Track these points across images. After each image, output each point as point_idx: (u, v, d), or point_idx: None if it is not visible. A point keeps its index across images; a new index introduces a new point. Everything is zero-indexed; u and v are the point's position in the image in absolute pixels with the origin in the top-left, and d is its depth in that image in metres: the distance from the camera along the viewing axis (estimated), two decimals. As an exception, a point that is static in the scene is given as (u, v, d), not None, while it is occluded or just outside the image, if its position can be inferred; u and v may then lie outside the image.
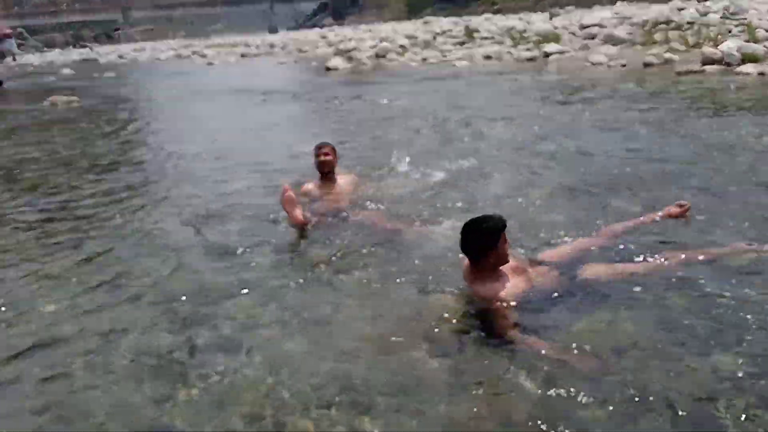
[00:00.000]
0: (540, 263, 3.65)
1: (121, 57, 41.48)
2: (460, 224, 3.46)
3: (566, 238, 4.11)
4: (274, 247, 4.49)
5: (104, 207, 5.83)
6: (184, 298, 3.75)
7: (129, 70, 31.11)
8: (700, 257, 3.65)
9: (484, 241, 3.31)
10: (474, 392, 2.75)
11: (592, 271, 3.55)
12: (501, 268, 3.39)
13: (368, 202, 5.21)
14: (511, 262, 3.41)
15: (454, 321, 3.30)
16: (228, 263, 4.25)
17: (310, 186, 5.46)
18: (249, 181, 6.30)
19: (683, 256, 3.67)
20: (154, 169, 7.46)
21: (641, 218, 4.31)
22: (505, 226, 3.32)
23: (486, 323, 3.24)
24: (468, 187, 5.56)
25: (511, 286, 3.37)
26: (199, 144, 8.81)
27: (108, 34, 79.65)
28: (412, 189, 5.59)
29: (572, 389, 2.63)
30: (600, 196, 5.13)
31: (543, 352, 2.91)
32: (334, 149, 5.40)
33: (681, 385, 2.63)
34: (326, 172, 5.36)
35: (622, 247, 3.92)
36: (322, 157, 5.31)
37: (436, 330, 3.23)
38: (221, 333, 3.34)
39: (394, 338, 3.19)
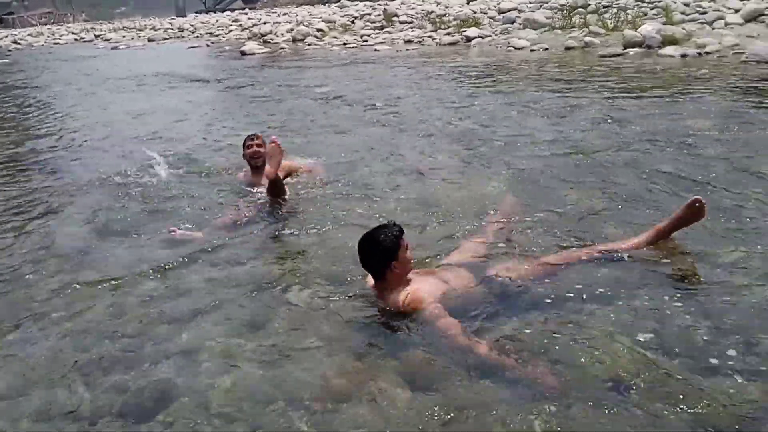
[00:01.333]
0: (445, 264, 3.38)
1: (15, 42, 38.42)
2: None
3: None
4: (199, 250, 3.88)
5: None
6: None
7: (24, 55, 28.80)
8: (620, 246, 3.43)
9: (384, 253, 3.00)
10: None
11: (503, 267, 3.28)
12: (408, 275, 3.08)
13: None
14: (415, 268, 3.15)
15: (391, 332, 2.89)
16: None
17: (240, 176, 5.26)
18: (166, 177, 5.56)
19: (601, 247, 3.45)
20: (45, 168, 6.52)
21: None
22: (402, 231, 3.05)
23: (420, 330, 2.83)
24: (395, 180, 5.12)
25: (428, 287, 3.01)
26: (102, 136, 7.93)
27: (1, 18, 74.07)
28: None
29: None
30: (542, 187, 4.77)
31: (503, 364, 2.60)
32: (266, 140, 4.92)
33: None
34: (257, 165, 4.95)
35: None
36: (255, 148, 4.99)
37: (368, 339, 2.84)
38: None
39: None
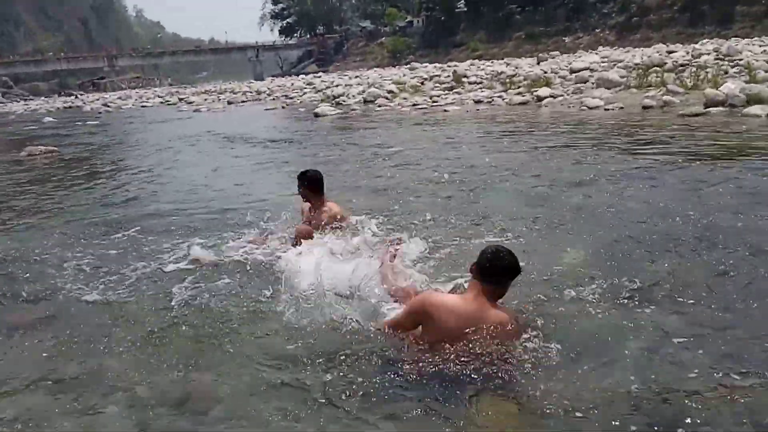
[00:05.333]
0: None
1: (105, 105, 41.09)
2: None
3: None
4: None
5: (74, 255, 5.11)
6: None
7: (113, 117, 30.61)
8: None
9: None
10: None
11: None
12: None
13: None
14: None
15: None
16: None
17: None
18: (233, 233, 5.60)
19: None
20: (126, 222, 6.70)
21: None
22: None
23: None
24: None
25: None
26: (184, 193, 8.16)
27: (93, 82, 79.69)
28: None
29: None
30: (631, 254, 4.48)
31: None
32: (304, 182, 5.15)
33: None
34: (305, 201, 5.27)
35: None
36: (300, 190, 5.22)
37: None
38: None
39: None
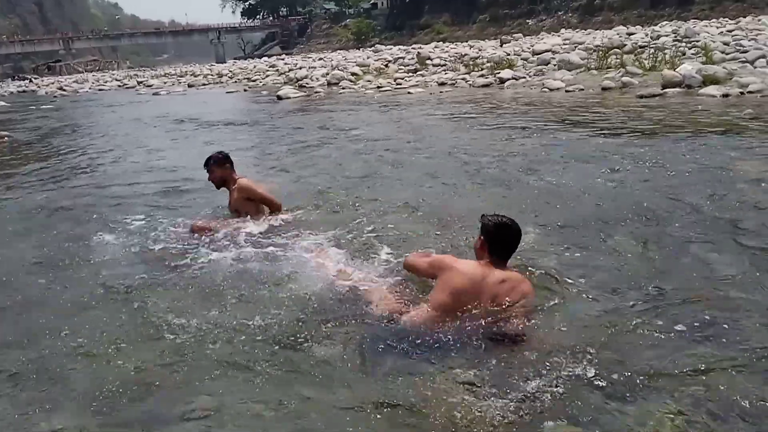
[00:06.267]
0: None
1: (61, 89, 39.87)
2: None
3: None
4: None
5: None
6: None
7: (69, 101, 29.75)
8: None
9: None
10: None
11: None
12: None
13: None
14: None
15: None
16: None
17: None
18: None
19: None
20: (79, 212, 6.48)
21: None
22: None
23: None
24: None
25: None
26: (140, 178, 7.94)
27: (48, 66, 77.23)
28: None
29: None
30: (593, 232, 4.50)
31: None
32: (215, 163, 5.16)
33: None
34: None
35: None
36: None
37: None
38: None
39: None
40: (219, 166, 5.12)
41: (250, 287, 3.81)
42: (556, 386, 2.56)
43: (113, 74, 58.83)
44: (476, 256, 3.28)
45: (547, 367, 2.70)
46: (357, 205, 5.67)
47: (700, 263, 3.80)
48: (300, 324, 3.28)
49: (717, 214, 4.62)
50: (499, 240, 3.15)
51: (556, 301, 3.35)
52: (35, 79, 59.05)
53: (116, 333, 3.34)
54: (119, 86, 39.73)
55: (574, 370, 2.66)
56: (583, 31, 38.53)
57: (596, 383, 2.58)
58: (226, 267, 4.19)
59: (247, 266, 4.17)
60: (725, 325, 2.99)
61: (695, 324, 3.01)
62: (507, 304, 3.05)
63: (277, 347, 3.07)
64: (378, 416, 2.49)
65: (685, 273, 3.66)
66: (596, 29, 38.75)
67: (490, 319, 3.02)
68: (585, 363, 2.71)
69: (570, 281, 3.61)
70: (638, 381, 2.58)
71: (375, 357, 2.92)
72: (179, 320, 3.39)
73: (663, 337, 2.92)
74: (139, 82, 40.03)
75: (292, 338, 3.14)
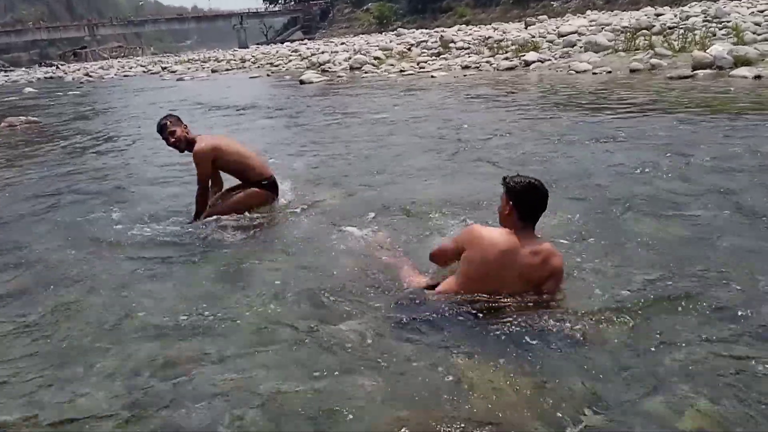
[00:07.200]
0: None
1: (87, 75, 40.35)
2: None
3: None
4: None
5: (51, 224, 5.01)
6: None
7: (95, 87, 30.09)
8: None
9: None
10: None
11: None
12: None
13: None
14: None
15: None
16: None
17: None
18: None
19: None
20: (106, 193, 6.57)
21: None
22: None
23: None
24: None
25: None
26: (165, 163, 8.00)
27: (75, 52, 78.15)
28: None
29: None
30: (613, 218, 4.43)
31: None
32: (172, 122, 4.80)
33: None
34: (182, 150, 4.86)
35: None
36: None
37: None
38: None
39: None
40: (178, 124, 4.80)
41: (286, 260, 3.85)
42: (586, 373, 2.52)
43: (138, 60, 59.41)
44: (502, 223, 3.04)
45: (576, 353, 2.66)
46: (388, 189, 5.66)
47: (738, 251, 3.70)
48: (328, 300, 3.30)
49: (753, 201, 4.51)
50: (528, 202, 2.93)
51: (581, 286, 3.27)
52: (62, 65, 59.84)
53: (144, 309, 3.38)
54: (144, 72, 40.10)
55: (601, 357, 2.63)
56: (609, 12, 37.83)
57: (624, 373, 2.54)
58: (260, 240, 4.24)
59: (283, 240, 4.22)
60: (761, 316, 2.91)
61: (731, 315, 2.93)
62: (537, 279, 2.96)
63: (303, 323, 3.09)
64: (399, 399, 2.47)
65: (721, 260, 3.58)
66: (623, 10, 38.00)
67: (518, 297, 2.96)
68: (614, 349, 2.67)
69: (595, 265, 3.55)
70: (668, 371, 2.54)
71: (399, 336, 2.90)
72: (213, 291, 3.43)
73: (693, 325, 2.86)
74: (163, 68, 40.34)
75: (317, 317, 3.15)
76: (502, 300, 2.97)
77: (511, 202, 2.95)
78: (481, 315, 2.92)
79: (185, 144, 4.77)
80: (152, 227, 4.85)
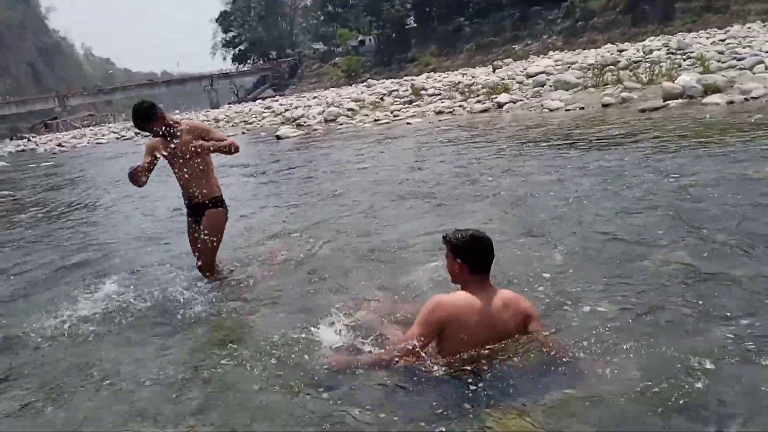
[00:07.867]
0: None
1: (60, 145, 40.07)
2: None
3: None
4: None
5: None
6: None
7: (68, 157, 29.83)
8: None
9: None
10: None
11: None
12: None
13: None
14: None
15: None
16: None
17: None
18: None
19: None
20: (89, 258, 6.33)
21: None
22: None
23: None
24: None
25: None
26: (147, 228, 7.79)
27: (45, 124, 77.85)
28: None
29: None
30: (618, 246, 4.33)
31: None
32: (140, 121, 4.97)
33: None
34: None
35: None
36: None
37: None
38: None
39: None
40: (158, 114, 4.92)
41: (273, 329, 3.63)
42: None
43: (110, 127, 59.24)
44: (455, 281, 2.93)
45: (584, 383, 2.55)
46: (376, 236, 5.52)
47: (739, 278, 3.61)
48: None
49: (746, 224, 4.45)
50: (475, 255, 2.84)
51: (577, 322, 3.18)
52: (33, 137, 59.47)
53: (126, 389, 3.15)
54: (117, 138, 39.99)
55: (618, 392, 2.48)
56: (570, 51, 38.90)
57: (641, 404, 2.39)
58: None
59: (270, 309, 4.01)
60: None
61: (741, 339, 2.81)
62: (515, 328, 2.81)
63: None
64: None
65: (721, 288, 3.48)
66: (583, 49, 39.11)
67: (507, 354, 2.77)
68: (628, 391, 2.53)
69: (593, 300, 3.44)
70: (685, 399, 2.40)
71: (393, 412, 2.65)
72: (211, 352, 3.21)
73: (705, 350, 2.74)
74: (136, 133, 40.19)
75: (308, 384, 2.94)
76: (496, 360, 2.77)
77: (459, 260, 2.86)
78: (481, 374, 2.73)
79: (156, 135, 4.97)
80: (128, 295, 4.72)
